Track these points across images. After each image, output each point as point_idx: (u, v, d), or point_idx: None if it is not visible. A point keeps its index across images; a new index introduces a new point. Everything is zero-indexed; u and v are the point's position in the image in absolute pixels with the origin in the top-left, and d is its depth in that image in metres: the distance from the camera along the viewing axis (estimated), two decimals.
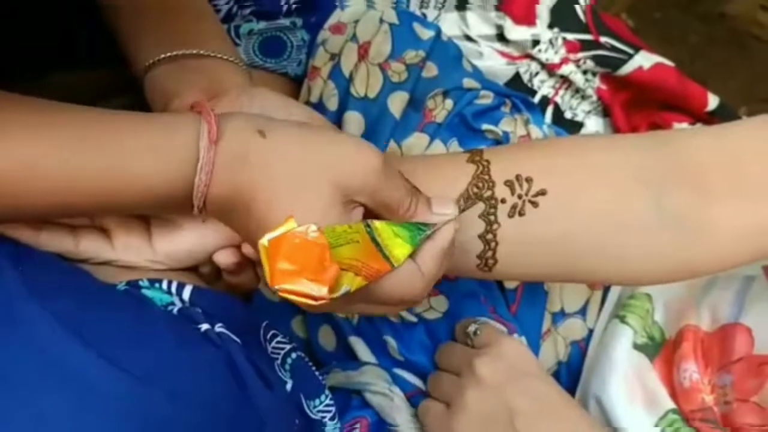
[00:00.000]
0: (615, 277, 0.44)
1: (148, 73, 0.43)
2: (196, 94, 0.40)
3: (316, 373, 0.42)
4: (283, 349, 0.41)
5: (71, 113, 0.33)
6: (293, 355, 0.41)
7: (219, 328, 0.36)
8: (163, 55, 0.42)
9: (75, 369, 0.29)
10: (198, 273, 0.41)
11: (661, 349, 0.48)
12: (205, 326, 0.35)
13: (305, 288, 0.30)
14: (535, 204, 0.40)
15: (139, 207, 0.35)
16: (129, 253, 0.39)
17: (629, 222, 0.40)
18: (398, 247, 0.34)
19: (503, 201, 0.40)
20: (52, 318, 0.30)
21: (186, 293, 0.38)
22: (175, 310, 0.37)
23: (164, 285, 0.38)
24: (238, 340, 0.36)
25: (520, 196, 0.40)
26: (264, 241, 0.31)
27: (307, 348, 0.53)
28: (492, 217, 0.40)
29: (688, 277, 0.44)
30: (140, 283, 0.38)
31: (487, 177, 0.40)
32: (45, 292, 0.31)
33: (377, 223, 0.34)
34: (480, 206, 0.40)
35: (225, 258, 0.39)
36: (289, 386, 0.39)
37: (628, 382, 0.46)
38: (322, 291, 0.30)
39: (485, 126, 0.55)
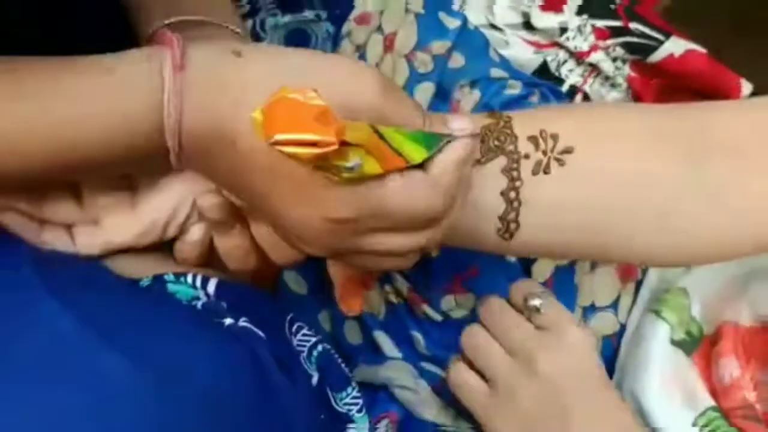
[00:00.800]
0: (643, 252, 0.40)
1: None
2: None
3: (342, 365, 0.42)
4: (308, 341, 0.41)
5: (17, 62, 0.31)
6: (319, 348, 0.41)
7: (243, 322, 0.36)
8: (167, 21, 0.40)
9: (96, 366, 0.29)
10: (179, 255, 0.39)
11: (699, 345, 0.47)
12: (228, 320, 0.35)
13: (308, 135, 0.26)
14: (561, 162, 0.37)
15: (108, 159, 0.31)
16: (119, 231, 0.37)
17: (663, 186, 0.37)
18: (411, 149, 0.31)
19: (527, 156, 0.37)
20: (73, 315, 0.30)
21: (211, 287, 0.37)
22: (199, 305, 0.37)
23: (189, 279, 0.38)
24: (262, 335, 0.35)
25: (544, 152, 0.37)
26: (256, 113, 0.27)
27: (332, 342, 0.53)
28: (515, 173, 0.37)
29: (722, 257, 0.41)
30: (165, 277, 0.38)
31: (509, 131, 0.37)
32: (66, 290, 0.31)
33: (385, 128, 0.30)
34: (502, 160, 0.37)
35: (210, 199, 0.35)
36: (315, 379, 0.38)
37: (665, 379, 0.45)
38: (328, 137, 0.26)
39: None
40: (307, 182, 0.30)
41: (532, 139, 0.38)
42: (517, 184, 0.37)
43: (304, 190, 0.30)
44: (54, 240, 0.36)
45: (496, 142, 0.38)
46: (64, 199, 0.36)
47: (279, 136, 0.26)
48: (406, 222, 0.32)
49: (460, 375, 0.43)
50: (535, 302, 0.43)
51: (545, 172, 0.38)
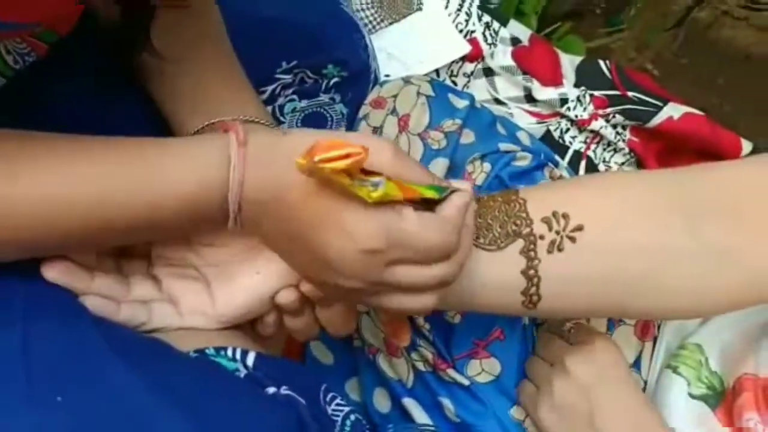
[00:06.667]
0: (658, 310, 0.44)
1: None
2: None
3: None
4: (342, 411, 0.42)
5: (104, 141, 0.37)
6: (352, 417, 0.42)
7: (285, 390, 0.37)
8: (207, 122, 0.45)
9: (165, 430, 0.31)
10: (259, 334, 0.43)
11: (723, 399, 0.48)
12: (272, 389, 0.37)
13: (342, 150, 0.31)
14: (573, 239, 0.41)
15: (177, 220, 0.37)
16: (195, 316, 0.41)
17: (667, 254, 0.41)
18: (423, 190, 0.37)
19: (542, 237, 0.42)
20: (137, 378, 0.32)
21: (250, 360, 0.39)
22: (241, 376, 0.39)
23: (229, 352, 0.40)
24: (303, 402, 0.37)
25: (557, 232, 0.41)
26: (299, 159, 0.33)
27: (361, 410, 0.54)
28: (532, 253, 0.41)
29: (729, 309, 0.45)
30: (206, 351, 0.40)
31: (524, 215, 0.42)
32: (128, 353, 0.34)
33: (400, 180, 0.36)
34: (520, 243, 0.42)
35: (287, 296, 0.40)
36: None
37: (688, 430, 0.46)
38: (357, 149, 0.31)
39: (522, 187, 0.56)
40: (345, 217, 0.36)
41: (546, 221, 0.42)
42: (535, 262, 0.42)
43: (342, 224, 0.36)
44: (132, 316, 0.40)
45: (514, 227, 0.42)
46: (145, 281, 0.42)
47: (319, 156, 0.32)
48: (424, 253, 0.37)
49: (522, 384, 0.52)
50: (567, 326, 0.51)
51: (559, 250, 0.42)
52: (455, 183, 0.40)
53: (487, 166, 0.56)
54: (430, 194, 0.37)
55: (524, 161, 0.57)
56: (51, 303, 0.36)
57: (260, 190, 0.36)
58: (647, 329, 0.54)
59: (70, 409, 0.30)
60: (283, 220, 0.37)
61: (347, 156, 0.31)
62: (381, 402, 0.53)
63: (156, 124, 0.49)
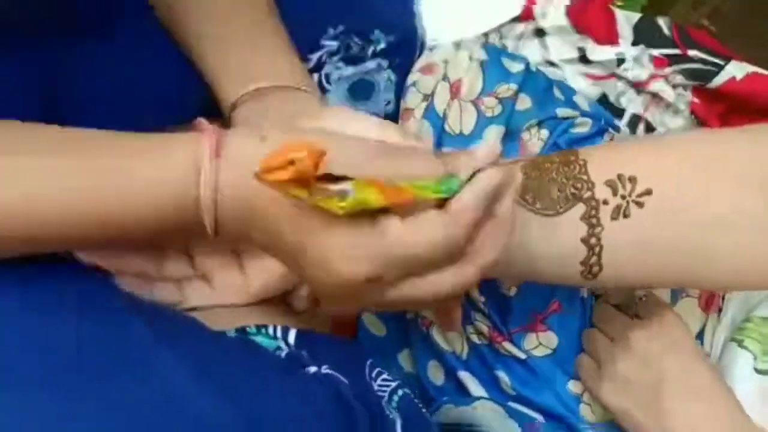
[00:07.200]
0: (727, 281, 0.41)
1: (234, 111, 0.45)
2: (273, 126, 0.37)
3: (423, 410, 0.43)
4: (389, 386, 0.41)
5: (72, 137, 0.33)
6: (399, 392, 0.41)
7: (326, 369, 0.37)
8: (244, 91, 0.43)
9: (212, 419, 0.30)
10: (293, 309, 0.42)
11: None
12: (313, 369, 0.37)
13: (284, 156, 0.27)
14: (640, 205, 0.38)
15: (149, 232, 0.34)
16: (228, 292, 0.40)
17: (740, 221, 0.38)
18: (421, 189, 0.31)
19: (605, 202, 0.38)
20: (181, 364, 0.32)
21: (291, 337, 0.39)
22: (282, 355, 0.38)
23: (270, 330, 0.39)
24: (345, 381, 0.37)
25: (623, 197, 0.38)
26: (255, 168, 0.28)
27: (415, 382, 0.54)
28: (594, 220, 0.38)
29: None
30: (248, 329, 0.39)
31: (585, 177, 0.39)
32: (169, 338, 0.33)
33: (398, 181, 0.30)
34: (580, 208, 0.39)
35: None
36: (398, 425, 0.39)
37: (753, 407, 0.44)
38: (301, 153, 0.27)
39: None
40: (325, 245, 0.31)
41: (610, 184, 0.39)
42: (597, 230, 0.39)
43: (324, 253, 0.32)
44: (166, 295, 0.39)
45: (573, 190, 0.39)
46: (179, 258, 0.40)
47: (261, 166, 0.27)
48: (425, 261, 0.32)
49: (579, 359, 0.50)
50: (639, 292, 0.49)
51: (625, 216, 0.38)
52: (477, 151, 0.33)
53: (544, 133, 0.54)
54: (428, 194, 0.31)
55: (584, 128, 0.55)
56: (102, 296, 0.35)
57: (235, 203, 0.32)
58: (712, 301, 0.52)
59: (118, 398, 0.30)
60: (264, 234, 0.33)
61: (291, 163, 0.27)
62: (435, 374, 0.53)
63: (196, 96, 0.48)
